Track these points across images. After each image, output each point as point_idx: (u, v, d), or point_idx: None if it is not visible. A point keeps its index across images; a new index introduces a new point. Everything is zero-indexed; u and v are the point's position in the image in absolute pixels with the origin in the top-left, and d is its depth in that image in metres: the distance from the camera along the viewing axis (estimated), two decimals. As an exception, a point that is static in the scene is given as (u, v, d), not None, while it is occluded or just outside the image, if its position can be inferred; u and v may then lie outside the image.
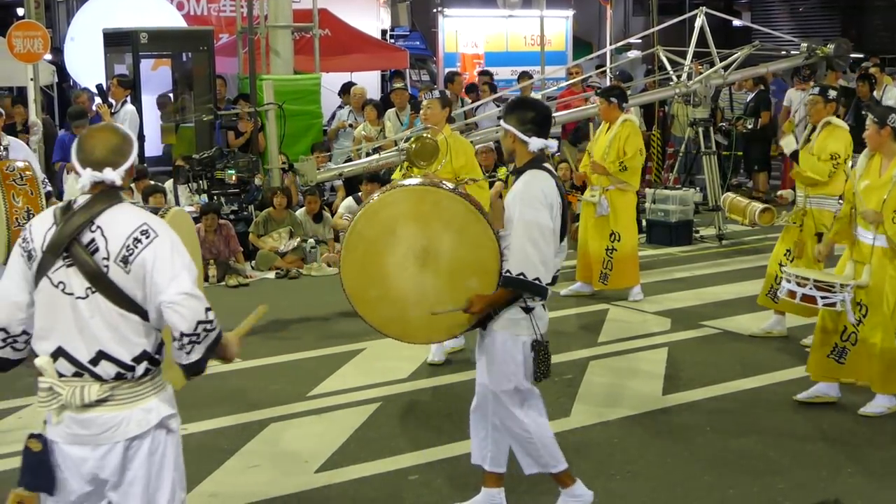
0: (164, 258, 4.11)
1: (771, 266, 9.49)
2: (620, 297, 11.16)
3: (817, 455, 7.03)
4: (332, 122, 16.73)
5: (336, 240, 13.69)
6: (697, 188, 15.79)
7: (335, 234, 13.74)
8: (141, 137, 14.98)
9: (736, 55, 14.96)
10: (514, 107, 6.03)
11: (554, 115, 14.20)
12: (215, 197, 13.36)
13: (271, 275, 12.93)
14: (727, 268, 13.08)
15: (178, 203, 13.68)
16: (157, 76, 16.96)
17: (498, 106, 16.91)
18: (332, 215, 14.23)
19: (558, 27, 22.55)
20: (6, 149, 9.33)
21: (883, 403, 7.72)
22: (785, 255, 9.33)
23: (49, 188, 9.84)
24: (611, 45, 22.51)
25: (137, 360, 4.19)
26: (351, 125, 15.97)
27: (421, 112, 9.19)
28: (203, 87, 16.18)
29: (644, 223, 14.48)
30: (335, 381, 8.66)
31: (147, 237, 4.11)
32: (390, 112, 15.69)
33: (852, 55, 15.76)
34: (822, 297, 7.65)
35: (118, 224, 4.13)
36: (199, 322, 4.11)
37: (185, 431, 7.48)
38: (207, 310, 4.14)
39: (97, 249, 4.10)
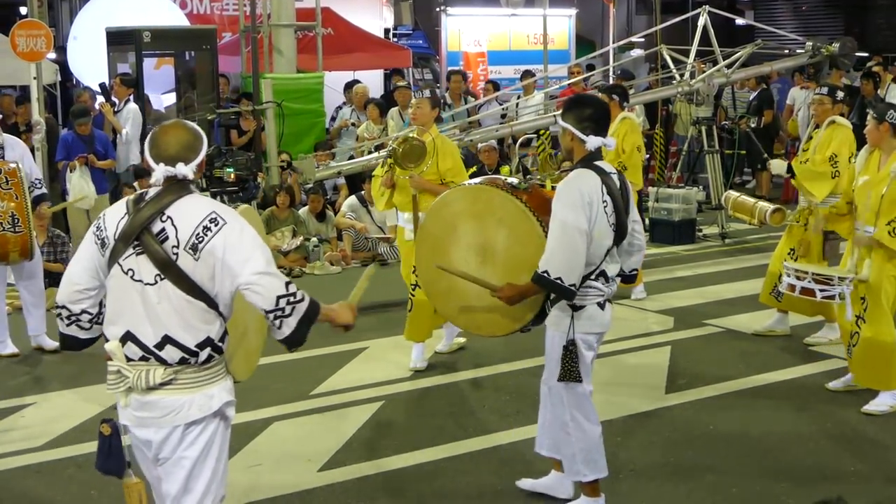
0: (234, 243, 4.27)
1: (773, 265, 9.48)
2: (623, 295, 11.15)
3: (820, 453, 7.03)
4: (335, 121, 16.73)
5: (339, 238, 13.69)
6: (700, 187, 15.78)
7: (338, 233, 13.75)
8: (143, 136, 14.99)
9: (739, 54, 14.94)
10: (572, 104, 6.01)
11: (556, 113, 14.25)
12: (217, 197, 13.35)
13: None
14: (730, 266, 13.07)
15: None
16: (160, 75, 16.97)
17: (500, 104, 16.96)
18: (335, 214, 14.23)
19: (561, 26, 22.55)
20: (1, 147, 9.35)
21: (886, 402, 7.73)
22: (789, 254, 9.32)
23: (43, 190, 9.87)
24: (613, 43, 22.54)
25: (201, 345, 4.34)
26: (353, 124, 15.98)
27: (410, 111, 9.14)
28: (206, 86, 16.18)
29: (647, 222, 14.47)
30: (338, 380, 8.66)
31: (216, 225, 4.27)
32: (393, 111, 15.69)
33: (857, 54, 15.69)
34: (821, 290, 7.70)
35: (188, 213, 4.30)
36: (280, 297, 4.24)
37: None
38: (287, 284, 4.28)
39: (167, 238, 4.27)
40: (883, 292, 7.62)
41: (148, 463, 4.53)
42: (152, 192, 4.37)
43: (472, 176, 14.44)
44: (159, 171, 4.35)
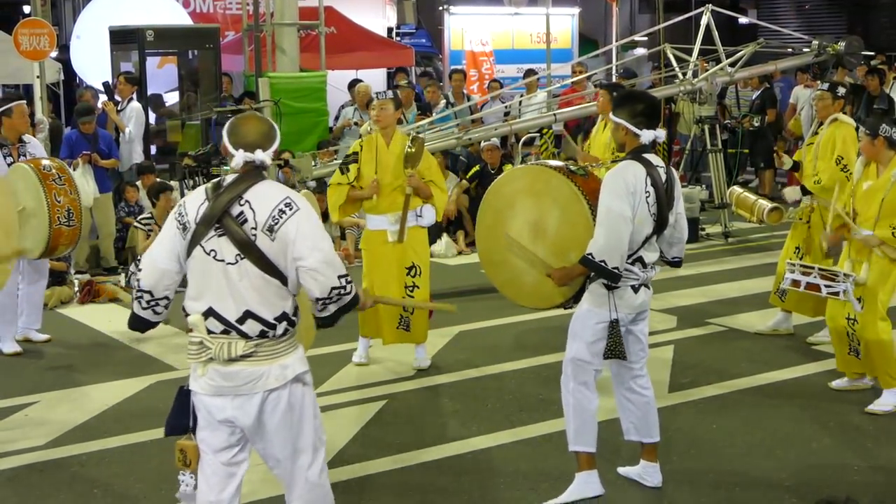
0: (305, 228, 4.64)
1: (781, 265, 9.47)
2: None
3: (824, 452, 7.03)
4: (338, 120, 16.72)
5: (342, 237, 13.69)
6: (703, 186, 15.79)
7: (341, 232, 13.74)
8: (147, 135, 15.00)
9: (741, 52, 14.93)
10: (625, 100, 6.27)
11: (556, 112, 14.24)
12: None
13: None
14: (733, 265, 13.08)
15: (184, 201, 13.67)
16: (163, 74, 16.98)
17: (503, 102, 16.96)
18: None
19: (564, 24, 22.50)
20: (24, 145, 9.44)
21: (889, 401, 7.72)
22: (794, 252, 9.32)
23: None
24: (616, 43, 22.53)
25: (278, 319, 4.69)
26: (356, 123, 15.97)
27: (373, 113, 8.87)
28: (209, 85, 16.19)
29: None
30: (340, 379, 8.67)
31: (290, 209, 4.64)
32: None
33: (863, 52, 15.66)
34: (826, 286, 7.71)
35: (264, 198, 4.66)
36: (333, 288, 4.68)
37: (192, 429, 7.53)
38: (340, 277, 4.70)
39: (246, 220, 4.62)
40: (880, 293, 7.65)
41: (213, 426, 4.80)
42: (229, 178, 4.73)
43: (473, 176, 14.61)
44: (239, 157, 4.71)
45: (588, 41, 26.81)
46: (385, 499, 6.33)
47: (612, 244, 5.90)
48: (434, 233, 14.15)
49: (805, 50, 15.55)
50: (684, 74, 14.70)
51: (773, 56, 16.04)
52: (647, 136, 6.09)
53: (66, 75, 19.58)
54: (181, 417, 4.85)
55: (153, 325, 4.96)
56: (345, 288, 4.71)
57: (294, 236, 4.61)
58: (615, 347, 6.09)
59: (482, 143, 14.91)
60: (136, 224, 12.46)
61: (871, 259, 7.68)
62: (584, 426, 6.27)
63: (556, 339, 8.52)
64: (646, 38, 24.50)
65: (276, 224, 4.61)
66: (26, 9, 23.81)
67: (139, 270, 4.86)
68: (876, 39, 26.25)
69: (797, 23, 33.81)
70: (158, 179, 13.43)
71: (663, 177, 6.11)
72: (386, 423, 7.62)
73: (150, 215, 12.49)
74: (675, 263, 6.57)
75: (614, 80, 18.32)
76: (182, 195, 13.67)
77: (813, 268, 7.85)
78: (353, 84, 17.07)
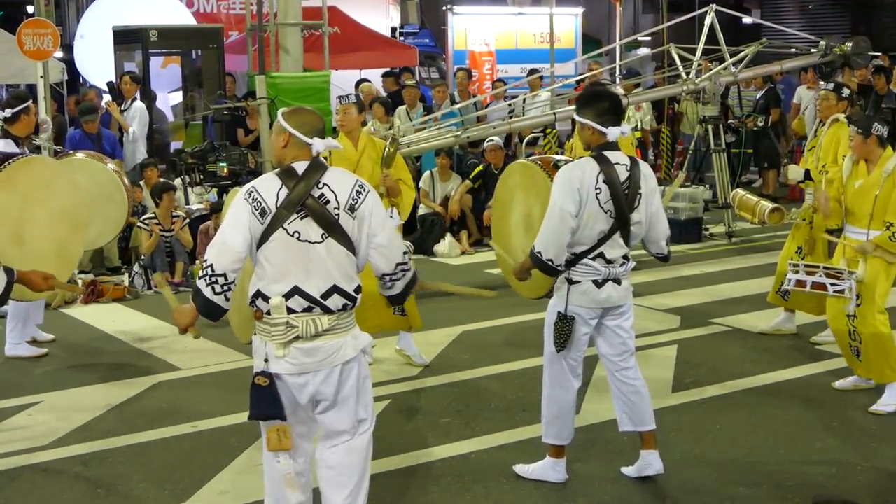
0: (378, 209, 5.08)
1: (781, 264, 9.46)
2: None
3: (827, 452, 7.02)
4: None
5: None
6: (707, 186, 15.78)
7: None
8: (150, 134, 15.02)
9: (744, 52, 14.91)
10: (589, 100, 6.36)
11: (556, 111, 14.23)
12: (211, 190, 13.54)
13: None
14: (736, 265, 13.07)
15: (187, 201, 13.72)
16: (166, 74, 17.00)
17: (506, 100, 16.96)
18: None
19: (568, 24, 22.49)
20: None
21: (892, 400, 7.72)
22: (796, 252, 9.31)
23: None
24: (620, 49, 22.50)
25: (356, 291, 5.07)
26: (362, 123, 15.96)
27: (337, 117, 8.85)
28: (213, 85, 16.20)
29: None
30: (344, 379, 8.66)
31: (364, 190, 5.05)
32: (401, 109, 15.70)
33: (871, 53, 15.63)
34: (832, 285, 7.73)
35: (340, 181, 5.03)
36: (398, 264, 5.14)
37: (196, 429, 7.54)
38: (404, 253, 5.16)
39: (328, 201, 4.95)
40: (878, 287, 7.67)
41: (295, 406, 5.08)
42: (298, 166, 4.99)
43: (476, 176, 14.62)
44: (319, 143, 5.02)
45: (591, 41, 26.80)
46: (387, 499, 6.33)
47: (548, 237, 6.09)
48: (438, 233, 14.19)
49: (813, 50, 15.52)
50: (688, 74, 14.69)
51: (777, 56, 16.02)
52: (613, 132, 6.17)
53: (70, 75, 19.59)
54: (274, 406, 4.99)
55: (224, 312, 5.06)
56: (406, 264, 5.15)
57: (369, 214, 5.01)
58: (559, 340, 6.25)
59: (485, 144, 14.92)
60: (139, 224, 12.47)
61: (869, 256, 7.71)
62: (555, 419, 6.46)
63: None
64: (649, 38, 24.50)
65: (356, 203, 4.99)
66: (30, 9, 23.84)
67: (205, 262, 5.01)
68: (879, 39, 26.21)
69: (801, 22, 33.79)
70: (162, 179, 13.45)
71: (623, 174, 6.13)
72: (388, 423, 7.62)
73: (152, 215, 12.51)
74: (663, 259, 6.63)
75: (618, 80, 18.32)
76: (185, 195, 13.70)
77: (818, 267, 7.87)
78: (358, 85, 17.10)
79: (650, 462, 6.50)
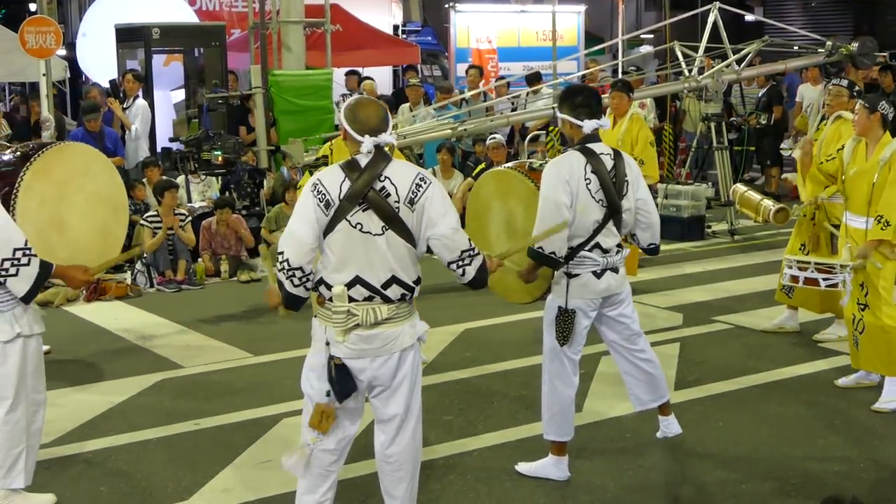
0: (437, 200, 5.15)
1: (785, 261, 9.47)
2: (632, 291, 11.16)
3: (830, 450, 7.02)
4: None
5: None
6: (709, 183, 15.78)
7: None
8: (153, 132, 15.02)
9: (746, 50, 14.89)
10: (564, 96, 6.54)
11: (555, 105, 14.22)
12: (205, 178, 13.59)
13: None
14: (739, 263, 13.07)
15: (189, 198, 13.73)
16: (169, 71, 17.00)
17: (511, 102, 16.97)
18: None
19: (570, 22, 22.46)
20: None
21: (893, 397, 7.71)
22: (800, 249, 9.31)
23: None
24: (623, 45, 22.45)
25: (416, 283, 5.21)
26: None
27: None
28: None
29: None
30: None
31: (425, 183, 5.14)
32: (404, 107, 15.70)
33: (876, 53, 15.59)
34: (824, 279, 7.78)
35: (401, 174, 5.13)
36: (463, 251, 5.22)
37: (198, 427, 7.54)
38: (469, 240, 5.26)
39: (389, 195, 5.08)
40: (881, 282, 7.68)
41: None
42: (362, 159, 5.12)
43: (478, 174, 14.60)
44: (368, 143, 5.09)
45: (594, 39, 26.77)
46: (391, 496, 6.34)
47: (542, 229, 6.18)
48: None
49: (820, 50, 15.49)
50: (690, 71, 14.69)
51: (780, 54, 16.00)
52: (588, 125, 6.33)
53: (73, 73, 19.60)
54: (348, 384, 5.16)
55: (304, 301, 5.24)
56: (473, 249, 5.23)
57: (428, 206, 5.10)
58: (562, 334, 6.35)
59: (488, 141, 14.93)
60: (142, 222, 12.48)
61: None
62: (556, 415, 6.51)
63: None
64: (651, 36, 24.48)
65: (415, 197, 5.09)
66: (32, 7, 23.85)
67: (281, 255, 5.14)
68: (881, 37, 26.17)
69: (803, 20, 33.74)
70: (164, 177, 13.46)
71: (609, 164, 6.32)
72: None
73: (155, 213, 12.51)
74: (652, 251, 6.78)
75: (620, 75, 18.30)
76: (188, 192, 13.70)
77: (809, 262, 7.91)
78: (358, 82, 17.10)
79: (670, 423, 6.94)
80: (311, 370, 5.28)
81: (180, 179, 13.88)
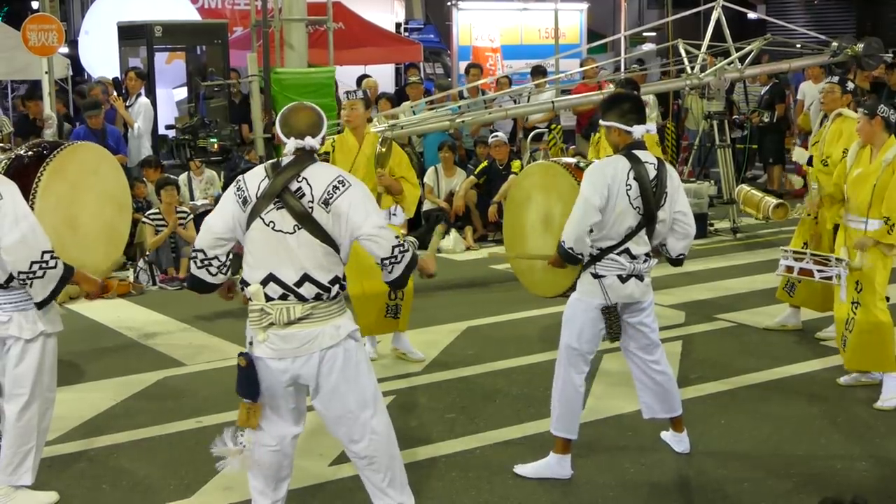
0: (358, 202, 5.19)
1: (785, 257, 9.48)
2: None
3: (832, 448, 7.02)
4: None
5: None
6: (712, 181, 15.76)
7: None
8: (155, 130, 15.02)
9: (748, 48, 14.87)
10: (611, 104, 6.53)
11: (557, 100, 14.22)
12: (203, 165, 13.63)
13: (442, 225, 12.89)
14: (742, 261, 13.07)
15: (192, 196, 13.73)
16: (171, 69, 17.00)
17: (513, 100, 16.95)
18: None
19: (573, 20, 22.46)
20: None
21: (893, 394, 7.71)
22: (802, 247, 9.30)
23: None
24: (625, 41, 22.45)
25: (332, 283, 5.21)
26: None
27: (344, 113, 8.77)
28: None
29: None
30: (349, 374, 8.66)
31: (343, 185, 5.18)
32: (405, 105, 15.67)
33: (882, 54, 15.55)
34: (819, 271, 7.83)
35: (320, 176, 5.21)
36: (394, 247, 5.26)
37: (200, 425, 7.54)
38: (397, 237, 5.30)
39: (303, 195, 5.15)
40: (877, 277, 7.70)
41: (275, 388, 5.32)
42: (286, 160, 5.25)
43: (481, 172, 14.62)
44: (291, 144, 5.24)
45: (596, 36, 26.76)
46: (393, 494, 6.34)
47: (572, 226, 6.24)
48: (443, 228, 14.17)
49: (827, 50, 15.46)
50: (692, 68, 14.67)
51: (783, 52, 15.98)
52: (638, 130, 6.36)
53: (75, 71, 19.59)
54: (249, 386, 5.28)
55: (209, 286, 5.42)
56: (403, 246, 5.30)
57: (347, 209, 5.14)
58: (612, 330, 6.43)
59: (490, 139, 14.93)
60: (144, 220, 12.49)
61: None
62: (567, 413, 6.52)
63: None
64: (654, 34, 24.45)
65: (331, 198, 5.13)
66: (35, 4, 23.84)
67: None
68: (884, 35, 26.17)
69: (806, 18, 33.70)
70: (165, 174, 13.48)
71: (652, 173, 6.31)
72: (393, 419, 7.52)
73: (157, 211, 12.52)
74: (678, 262, 6.81)
75: (622, 73, 18.29)
76: (190, 190, 13.70)
77: (805, 253, 7.94)
78: (360, 80, 17.08)
79: (681, 440, 6.89)
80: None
81: (183, 177, 13.90)
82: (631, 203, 6.24)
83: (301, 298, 5.16)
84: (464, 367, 8.85)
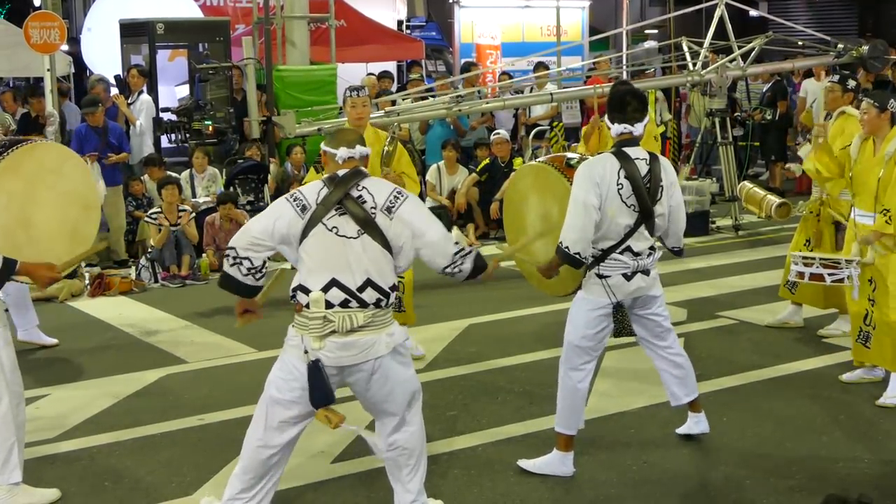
0: (419, 211, 5.40)
1: (790, 257, 9.46)
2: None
3: (834, 446, 7.01)
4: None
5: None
6: (714, 179, 15.76)
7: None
8: (156, 127, 15.02)
9: (750, 45, 14.86)
10: (608, 101, 6.59)
11: (556, 91, 14.22)
12: (197, 148, 13.64)
13: (288, 265, 12.89)
14: (743, 258, 13.06)
15: (194, 194, 13.73)
16: (173, 67, 17.00)
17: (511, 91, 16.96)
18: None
19: (574, 17, 22.47)
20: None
21: (896, 390, 7.73)
22: (805, 245, 9.31)
23: None
24: (627, 36, 22.43)
25: (392, 289, 5.32)
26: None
27: (354, 111, 8.64)
28: (219, 78, 16.16)
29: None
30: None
31: (402, 195, 5.36)
32: (400, 96, 15.69)
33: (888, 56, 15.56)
34: (830, 275, 7.81)
35: (379, 186, 5.40)
36: (454, 254, 5.39)
37: (202, 423, 7.55)
38: (456, 243, 5.43)
39: (365, 202, 5.28)
40: (889, 271, 7.66)
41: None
42: (341, 172, 5.36)
43: (483, 169, 14.63)
44: (343, 152, 5.41)
45: (598, 34, 26.75)
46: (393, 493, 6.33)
47: (575, 231, 6.22)
48: (445, 226, 14.18)
49: (831, 51, 15.46)
50: (694, 65, 14.66)
51: (785, 50, 15.97)
52: (615, 129, 6.40)
53: (77, 68, 19.59)
54: (326, 391, 5.25)
55: (240, 285, 5.43)
56: (462, 250, 5.42)
57: (411, 218, 5.30)
58: (622, 328, 6.47)
59: (492, 137, 14.94)
60: (146, 219, 12.50)
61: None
62: (570, 410, 6.53)
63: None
64: (656, 31, 24.43)
65: (394, 206, 5.28)
66: (37, 2, 23.84)
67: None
68: (886, 34, 26.15)
69: (808, 16, 33.72)
70: (169, 172, 13.47)
71: (644, 169, 6.34)
72: (396, 416, 7.62)
73: (159, 209, 12.53)
74: (677, 252, 6.86)
75: (624, 71, 18.30)
76: (192, 189, 13.70)
77: (814, 258, 7.91)
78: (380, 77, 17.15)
79: (700, 420, 7.01)
80: (279, 375, 5.44)
81: (185, 174, 13.91)
82: (624, 202, 6.26)
83: (363, 304, 5.22)
84: (465, 364, 8.85)
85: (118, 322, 10.49)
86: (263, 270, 5.43)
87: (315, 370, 5.21)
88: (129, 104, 14.60)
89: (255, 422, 5.51)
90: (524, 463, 6.60)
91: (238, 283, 5.42)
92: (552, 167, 7.14)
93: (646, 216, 6.33)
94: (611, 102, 6.47)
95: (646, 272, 6.47)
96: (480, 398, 8.04)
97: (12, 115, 13.47)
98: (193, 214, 12.78)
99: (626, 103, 6.43)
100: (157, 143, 15.02)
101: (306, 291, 5.25)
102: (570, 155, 7.51)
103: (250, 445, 5.49)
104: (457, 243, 5.43)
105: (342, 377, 5.34)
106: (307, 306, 5.23)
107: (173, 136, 13.74)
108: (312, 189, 5.34)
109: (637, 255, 6.38)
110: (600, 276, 6.36)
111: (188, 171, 14.04)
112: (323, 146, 5.53)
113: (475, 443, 7.07)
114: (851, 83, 9.37)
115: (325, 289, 5.21)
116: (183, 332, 10.02)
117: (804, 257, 8.04)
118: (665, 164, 6.50)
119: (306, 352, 5.24)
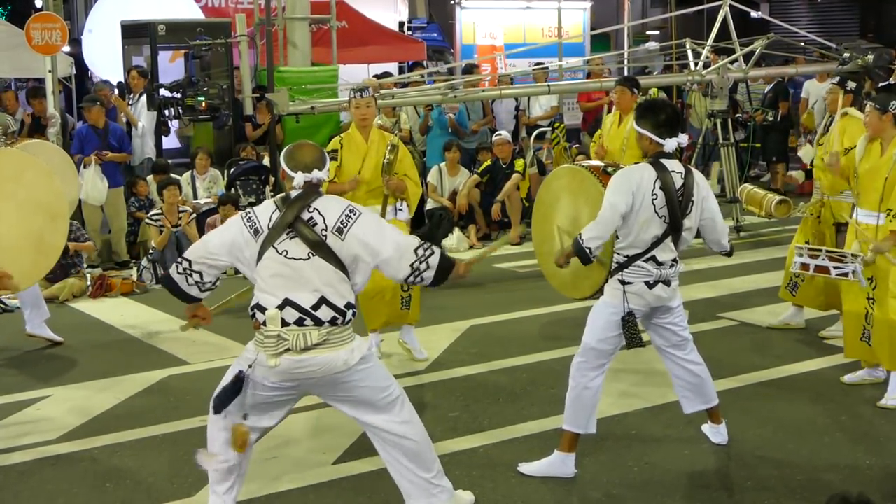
0: (372, 228, 5.39)
1: (790, 258, 9.45)
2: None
3: (836, 447, 7.01)
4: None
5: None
6: (716, 179, 15.74)
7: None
8: (158, 129, 15.02)
9: (752, 47, 14.86)
10: (647, 111, 6.54)
11: (554, 84, 14.21)
12: (190, 123, 13.61)
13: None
14: (745, 259, 13.04)
15: (195, 195, 13.74)
16: (174, 68, 17.00)
17: (515, 99, 16.97)
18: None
19: (576, 18, 22.46)
20: None
21: (898, 390, 7.72)
22: (805, 244, 9.30)
23: None
24: (628, 35, 22.43)
25: (347, 307, 5.33)
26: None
27: (358, 112, 8.72)
28: (221, 79, 16.17)
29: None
30: (352, 373, 8.66)
31: (354, 214, 5.37)
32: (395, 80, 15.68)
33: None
34: (835, 268, 7.76)
35: (331, 206, 5.40)
36: (411, 264, 5.41)
37: (204, 423, 7.51)
38: (416, 249, 5.43)
39: (316, 224, 5.32)
40: (892, 275, 7.65)
41: (285, 402, 5.54)
42: (294, 193, 5.42)
43: (484, 171, 14.63)
44: (299, 178, 5.42)
45: (599, 35, 26.75)
46: (396, 493, 6.31)
47: (598, 228, 6.31)
48: (447, 227, 14.19)
49: (836, 57, 15.44)
50: (695, 65, 14.66)
51: (787, 52, 15.97)
52: (670, 144, 6.39)
53: (78, 69, 19.60)
54: (228, 401, 5.42)
55: (182, 292, 5.59)
56: (420, 258, 5.41)
57: (364, 236, 5.33)
58: (631, 338, 6.44)
59: (493, 138, 14.94)
60: (147, 221, 12.51)
61: (879, 239, 7.71)
62: (579, 409, 6.53)
63: (569, 333, 8.54)
64: (658, 32, 24.42)
65: (345, 227, 5.32)
66: (38, 3, 23.86)
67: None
68: (888, 35, 26.17)
69: (809, 17, 33.72)
70: (172, 175, 13.48)
71: (678, 182, 6.36)
72: (397, 417, 7.61)
73: (160, 211, 12.53)
74: (727, 254, 7.05)
75: (625, 70, 18.29)
76: (193, 189, 13.71)
77: (820, 250, 7.90)
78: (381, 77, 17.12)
79: (719, 432, 7.00)
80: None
81: (186, 176, 13.91)
82: (657, 212, 6.31)
83: (318, 322, 5.27)
84: (467, 365, 8.85)
85: (120, 323, 10.50)
86: (212, 288, 5.59)
87: (236, 381, 5.37)
88: (129, 105, 14.60)
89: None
90: (524, 467, 6.59)
91: (180, 289, 5.59)
92: (588, 171, 7.26)
93: (674, 228, 6.38)
94: (664, 118, 6.43)
95: (667, 282, 6.49)
96: (482, 399, 8.04)
97: (12, 116, 13.46)
98: (194, 215, 12.78)
99: (677, 116, 6.59)
100: (159, 145, 15.02)
101: (262, 310, 5.34)
102: (606, 163, 7.82)
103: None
104: (417, 248, 5.44)
105: (304, 388, 5.48)
106: (264, 324, 5.31)
107: (167, 112, 13.67)
108: (265, 211, 5.42)
109: (660, 264, 6.41)
110: (623, 283, 6.40)
111: (189, 172, 14.06)
112: (283, 163, 5.56)
113: (476, 444, 7.07)
114: (851, 85, 9.37)
115: (281, 307, 5.29)
116: (184, 333, 10.00)
117: (810, 249, 8.02)
118: (699, 178, 6.53)
119: (250, 366, 5.36)
